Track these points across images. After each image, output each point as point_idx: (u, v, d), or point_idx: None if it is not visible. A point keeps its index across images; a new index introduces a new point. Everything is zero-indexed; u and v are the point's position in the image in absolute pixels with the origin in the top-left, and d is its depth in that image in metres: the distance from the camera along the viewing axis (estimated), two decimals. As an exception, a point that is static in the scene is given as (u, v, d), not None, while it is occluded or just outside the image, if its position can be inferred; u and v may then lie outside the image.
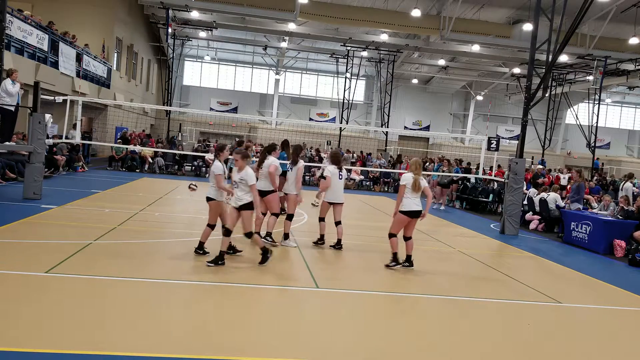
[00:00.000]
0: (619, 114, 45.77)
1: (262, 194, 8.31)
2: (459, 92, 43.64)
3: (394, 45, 31.88)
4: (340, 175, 9.02)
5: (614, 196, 16.23)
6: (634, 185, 16.57)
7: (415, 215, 7.79)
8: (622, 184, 16.52)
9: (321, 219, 9.15)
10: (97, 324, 4.74)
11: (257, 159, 8.94)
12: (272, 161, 8.53)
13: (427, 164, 21.08)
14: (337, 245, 8.95)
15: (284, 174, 12.21)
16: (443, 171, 17.93)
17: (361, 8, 27.60)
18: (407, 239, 7.98)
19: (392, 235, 7.90)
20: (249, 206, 7.04)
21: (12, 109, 11.73)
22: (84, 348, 4.18)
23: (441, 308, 6.32)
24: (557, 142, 42.19)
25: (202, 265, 7.18)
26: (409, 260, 7.96)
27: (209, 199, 7.32)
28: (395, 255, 7.90)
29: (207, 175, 21.81)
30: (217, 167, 7.26)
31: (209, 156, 21.70)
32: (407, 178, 7.81)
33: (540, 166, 25.71)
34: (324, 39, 31.90)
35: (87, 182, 16.28)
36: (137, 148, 22.61)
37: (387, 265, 7.88)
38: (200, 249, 7.58)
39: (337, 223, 8.95)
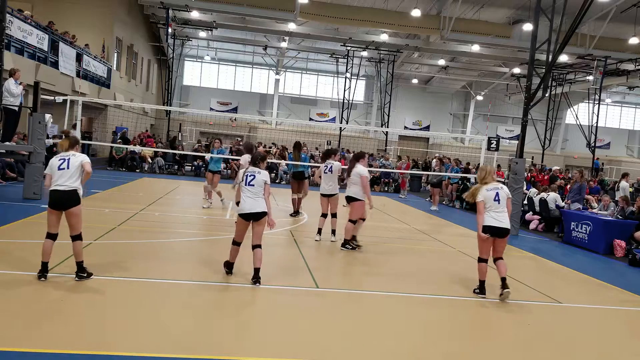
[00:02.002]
0: (619, 114, 45.74)
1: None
2: (459, 92, 43.63)
3: (394, 45, 31.88)
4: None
5: (613, 196, 16.23)
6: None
7: (498, 233, 6.64)
8: (617, 184, 16.53)
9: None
10: (97, 324, 4.75)
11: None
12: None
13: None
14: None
15: (296, 176, 12.45)
16: (434, 170, 17.92)
17: (361, 8, 27.59)
18: (495, 259, 6.80)
19: (480, 260, 6.81)
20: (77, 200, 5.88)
21: (16, 109, 11.75)
22: (84, 348, 4.18)
23: (441, 308, 6.32)
24: (557, 142, 42.17)
25: (202, 265, 7.18)
26: (503, 283, 6.68)
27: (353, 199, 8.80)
28: (482, 283, 6.80)
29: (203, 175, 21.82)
30: (365, 171, 8.93)
31: (209, 156, 21.68)
32: (482, 194, 6.75)
33: (557, 167, 25.96)
34: (324, 39, 31.90)
35: (87, 182, 16.23)
36: (137, 148, 22.61)
37: (475, 291, 6.88)
38: (349, 244, 8.91)
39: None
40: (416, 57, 35.96)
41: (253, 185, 6.37)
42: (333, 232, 9.79)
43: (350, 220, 9.03)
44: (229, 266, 6.63)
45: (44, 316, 4.82)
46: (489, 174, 6.82)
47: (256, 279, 6.32)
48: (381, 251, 9.45)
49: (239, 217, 6.45)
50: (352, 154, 10.25)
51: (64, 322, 4.73)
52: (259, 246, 6.44)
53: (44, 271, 5.77)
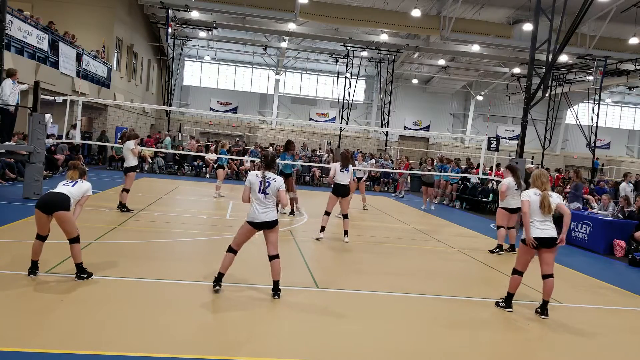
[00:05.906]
0: (619, 114, 45.73)
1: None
2: (459, 92, 43.61)
3: (394, 45, 31.86)
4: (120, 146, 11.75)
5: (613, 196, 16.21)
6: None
7: (544, 243, 5.97)
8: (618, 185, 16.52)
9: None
10: (97, 324, 4.75)
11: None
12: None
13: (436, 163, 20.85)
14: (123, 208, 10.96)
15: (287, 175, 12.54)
16: (428, 170, 17.84)
17: (361, 8, 27.59)
18: (544, 277, 6.07)
19: (515, 272, 6.21)
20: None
21: (10, 109, 11.74)
22: (85, 348, 4.18)
23: (441, 308, 6.32)
24: (557, 142, 42.15)
25: (201, 265, 7.18)
26: (543, 309, 6.09)
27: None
28: (510, 296, 6.23)
29: (207, 176, 21.89)
30: (510, 184, 9.77)
31: (209, 156, 21.71)
32: (529, 196, 6.12)
33: (531, 165, 25.87)
34: (324, 39, 31.88)
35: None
36: (137, 148, 22.55)
37: (497, 303, 6.37)
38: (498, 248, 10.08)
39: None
40: (416, 57, 35.94)
41: (267, 193, 5.84)
42: (345, 232, 9.87)
43: (499, 226, 10.18)
44: (218, 279, 5.95)
45: (44, 316, 4.82)
46: (547, 183, 6.12)
47: (276, 291, 5.94)
48: (381, 251, 9.45)
49: (247, 224, 5.92)
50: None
51: (64, 322, 4.73)
52: (277, 257, 5.96)
53: (33, 268, 5.93)
